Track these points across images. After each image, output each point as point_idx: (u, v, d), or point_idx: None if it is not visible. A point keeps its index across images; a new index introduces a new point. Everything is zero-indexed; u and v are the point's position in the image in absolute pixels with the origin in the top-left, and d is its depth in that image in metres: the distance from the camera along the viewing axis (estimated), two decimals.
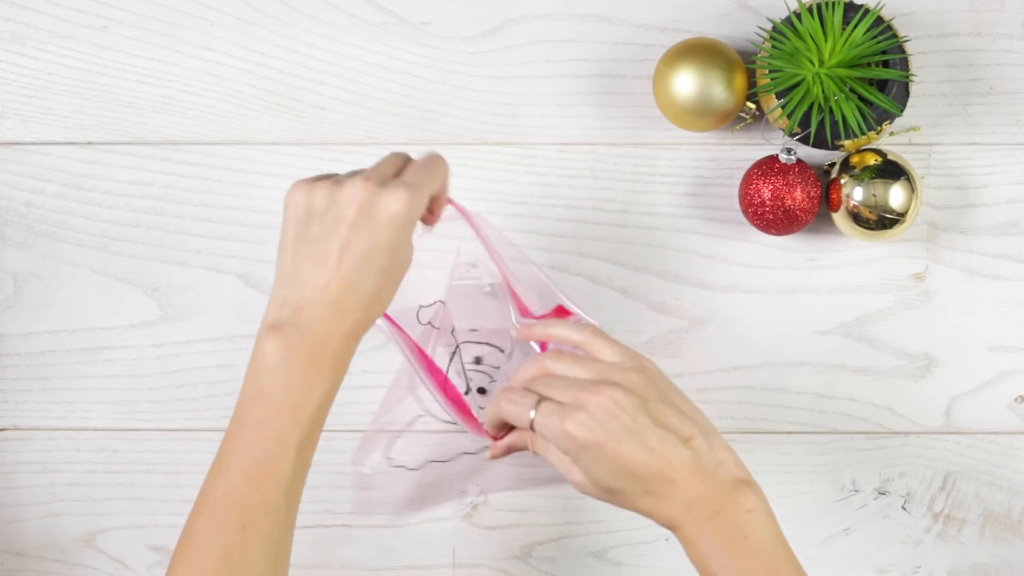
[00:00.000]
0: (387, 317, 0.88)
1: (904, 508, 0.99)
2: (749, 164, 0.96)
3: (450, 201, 0.85)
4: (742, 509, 0.77)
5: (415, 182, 0.80)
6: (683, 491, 0.77)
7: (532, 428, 0.80)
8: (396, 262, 0.80)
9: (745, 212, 0.95)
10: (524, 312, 0.91)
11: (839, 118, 0.91)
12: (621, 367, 0.80)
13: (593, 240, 0.99)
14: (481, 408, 0.93)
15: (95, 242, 1.00)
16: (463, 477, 0.99)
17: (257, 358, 0.79)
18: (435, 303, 0.95)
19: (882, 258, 0.98)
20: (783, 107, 0.92)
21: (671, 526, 0.79)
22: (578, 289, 0.99)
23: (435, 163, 0.82)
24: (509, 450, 0.85)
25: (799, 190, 0.93)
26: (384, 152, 0.99)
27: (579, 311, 0.91)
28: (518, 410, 0.80)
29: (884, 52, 0.92)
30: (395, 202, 0.78)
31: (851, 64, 0.91)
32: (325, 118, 0.99)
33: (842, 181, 0.94)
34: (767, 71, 0.93)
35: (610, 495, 0.80)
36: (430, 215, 0.84)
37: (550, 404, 0.79)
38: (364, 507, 0.98)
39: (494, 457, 0.86)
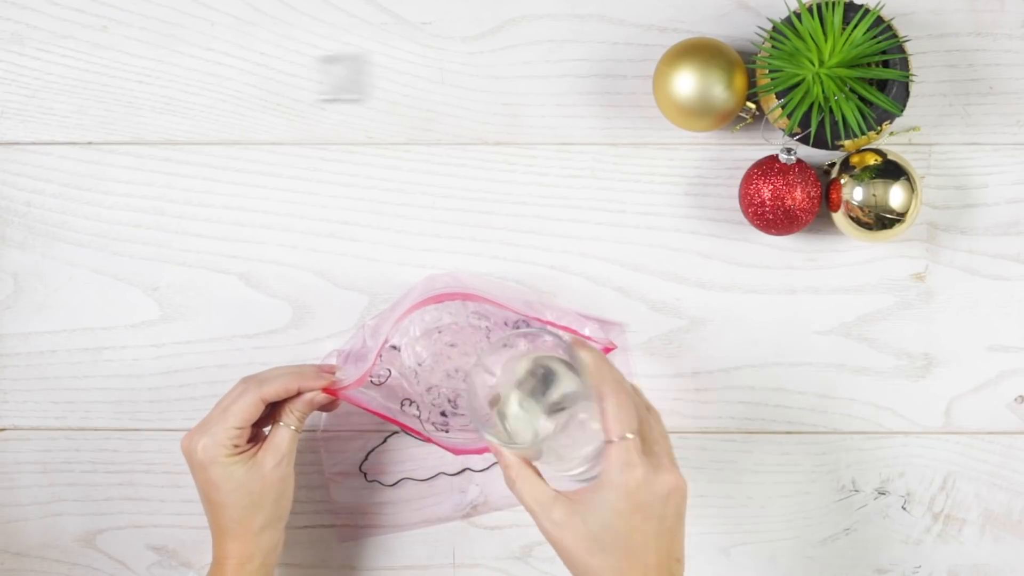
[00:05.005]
0: (348, 399, 0.92)
1: (904, 508, 0.99)
2: (749, 164, 0.96)
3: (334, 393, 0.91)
4: None
5: (205, 421, 0.90)
6: None
7: (609, 441, 0.81)
8: (216, 496, 0.89)
9: (745, 212, 0.95)
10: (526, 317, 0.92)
11: (839, 118, 0.91)
12: (676, 475, 0.83)
13: (593, 240, 0.99)
14: (444, 431, 0.96)
15: (95, 242, 1.00)
16: (459, 488, 0.99)
17: None
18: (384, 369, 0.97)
19: (882, 258, 0.98)
20: (783, 107, 0.92)
21: None
22: (578, 289, 0.99)
23: (233, 396, 0.90)
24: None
25: (799, 190, 0.93)
26: (383, 152, 0.99)
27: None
28: (626, 416, 0.80)
29: (884, 52, 0.92)
30: (190, 453, 0.90)
31: (851, 64, 0.91)
32: (325, 118, 0.99)
33: (842, 181, 0.94)
34: (767, 71, 0.93)
35: (588, 553, 0.80)
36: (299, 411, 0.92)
37: (640, 444, 0.81)
38: (346, 535, 0.99)
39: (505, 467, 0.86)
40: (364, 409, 0.92)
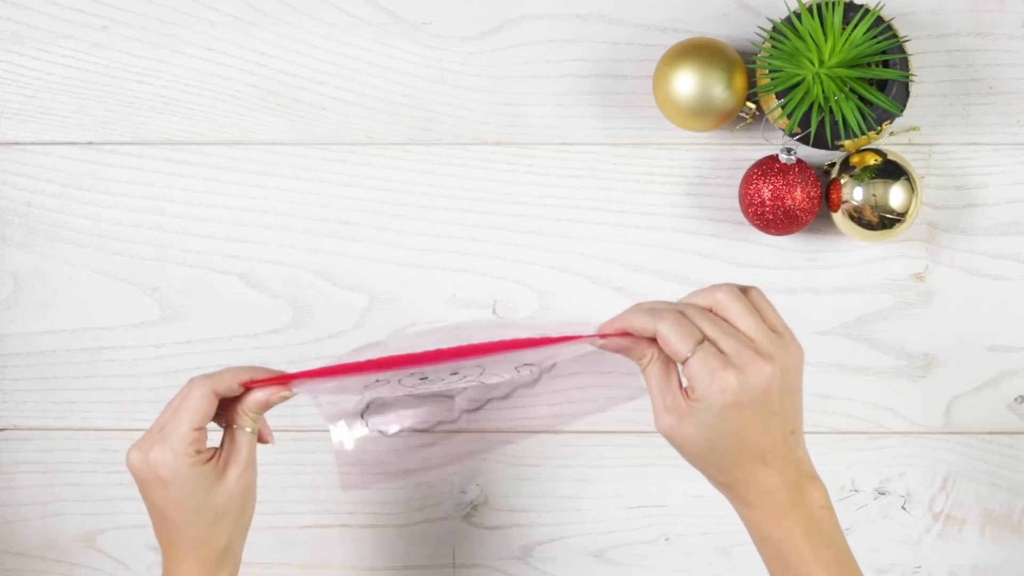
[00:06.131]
0: (304, 381, 0.85)
1: (904, 508, 0.99)
2: (749, 164, 0.96)
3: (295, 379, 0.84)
4: (816, 505, 0.79)
5: (154, 430, 0.83)
6: (770, 477, 0.78)
7: (682, 362, 0.78)
8: (175, 515, 0.82)
9: (745, 212, 0.95)
10: (534, 343, 0.84)
11: (839, 118, 0.91)
12: (785, 344, 0.79)
13: (593, 240, 0.99)
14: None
15: (95, 242, 1.00)
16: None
17: None
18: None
19: (882, 258, 0.98)
20: (783, 107, 0.92)
21: (743, 503, 0.80)
22: (578, 289, 0.99)
23: (182, 395, 0.83)
24: (620, 349, 0.82)
25: (799, 190, 0.93)
26: (383, 152, 0.99)
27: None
28: (677, 338, 0.78)
29: (884, 52, 0.92)
30: (142, 467, 0.82)
31: (851, 64, 0.91)
32: (325, 118, 0.99)
33: (842, 181, 0.94)
34: (767, 71, 0.93)
35: (703, 454, 0.79)
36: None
37: (712, 348, 0.77)
38: (351, 480, 0.91)
39: (604, 347, 0.82)
40: (328, 375, 0.84)
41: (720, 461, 0.79)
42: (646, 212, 0.99)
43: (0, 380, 1.00)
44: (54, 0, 0.99)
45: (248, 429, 0.84)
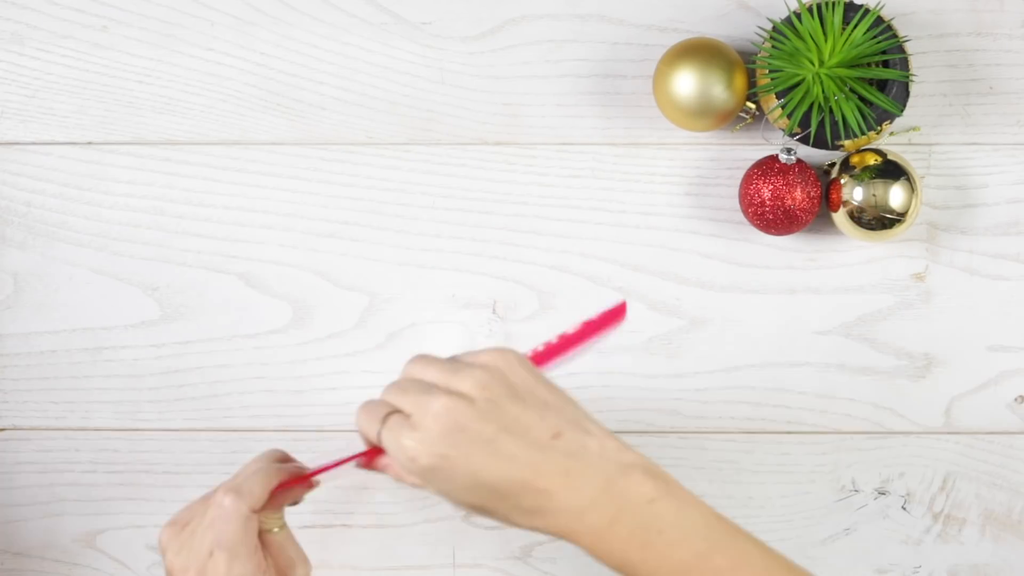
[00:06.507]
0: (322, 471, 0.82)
1: (904, 508, 0.99)
2: (749, 164, 0.96)
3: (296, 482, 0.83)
4: (642, 502, 0.67)
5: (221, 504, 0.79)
6: (564, 500, 0.67)
7: (380, 444, 0.71)
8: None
9: (745, 212, 0.95)
10: None
11: (839, 118, 0.91)
12: (467, 367, 0.70)
13: (593, 240, 0.99)
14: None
15: (95, 242, 1.00)
16: None
17: None
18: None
19: (882, 258, 0.98)
20: (783, 107, 0.92)
21: (569, 540, 0.69)
22: (578, 289, 0.99)
23: (255, 467, 0.81)
24: (376, 468, 0.76)
25: (799, 190, 0.93)
26: (383, 152, 0.99)
27: None
28: (364, 424, 0.72)
29: (884, 52, 0.92)
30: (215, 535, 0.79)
31: (851, 64, 0.91)
32: (325, 118, 0.99)
33: (842, 181, 0.94)
34: (767, 71, 0.93)
35: (485, 516, 0.70)
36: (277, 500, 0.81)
37: (397, 417, 0.70)
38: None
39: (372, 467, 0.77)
40: (346, 460, 0.81)
41: (501, 513, 0.69)
42: (646, 212, 0.99)
43: (0, 380, 1.00)
44: (54, 0, 0.99)
45: (277, 529, 0.82)
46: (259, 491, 0.79)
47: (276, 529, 0.82)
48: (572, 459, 0.67)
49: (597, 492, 0.67)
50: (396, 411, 0.71)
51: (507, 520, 0.69)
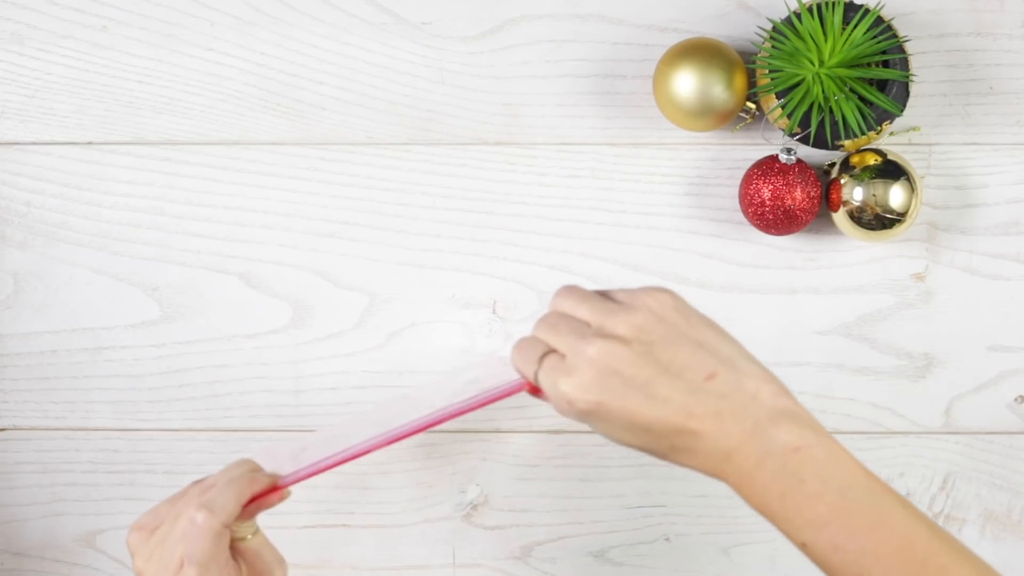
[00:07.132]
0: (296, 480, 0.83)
1: None
2: (749, 164, 0.96)
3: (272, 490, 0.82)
4: (787, 450, 0.67)
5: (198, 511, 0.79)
6: (714, 441, 0.67)
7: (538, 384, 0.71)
8: None
9: (745, 212, 0.95)
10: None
11: (839, 118, 0.91)
12: (622, 309, 0.70)
13: (593, 240, 0.99)
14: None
15: (95, 242, 1.00)
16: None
17: None
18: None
19: (882, 258, 0.98)
20: (783, 107, 0.92)
21: (718, 479, 0.70)
22: None
23: (230, 478, 0.80)
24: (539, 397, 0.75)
25: (799, 190, 0.93)
26: (383, 152, 0.99)
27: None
28: (521, 364, 0.72)
29: (884, 52, 0.92)
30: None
31: (851, 64, 0.91)
32: (325, 118, 0.99)
33: (842, 181, 0.94)
34: (767, 71, 0.93)
35: (647, 453, 0.70)
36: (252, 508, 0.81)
37: (553, 358, 0.70)
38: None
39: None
40: (320, 470, 0.83)
41: (656, 452, 0.69)
42: (646, 212, 0.99)
43: (0, 380, 1.00)
44: (54, 0, 0.99)
45: (250, 536, 0.82)
46: (232, 506, 0.79)
47: (250, 536, 0.83)
48: (724, 400, 0.68)
49: (745, 435, 0.67)
50: (551, 351, 0.71)
51: (666, 458, 0.70)
